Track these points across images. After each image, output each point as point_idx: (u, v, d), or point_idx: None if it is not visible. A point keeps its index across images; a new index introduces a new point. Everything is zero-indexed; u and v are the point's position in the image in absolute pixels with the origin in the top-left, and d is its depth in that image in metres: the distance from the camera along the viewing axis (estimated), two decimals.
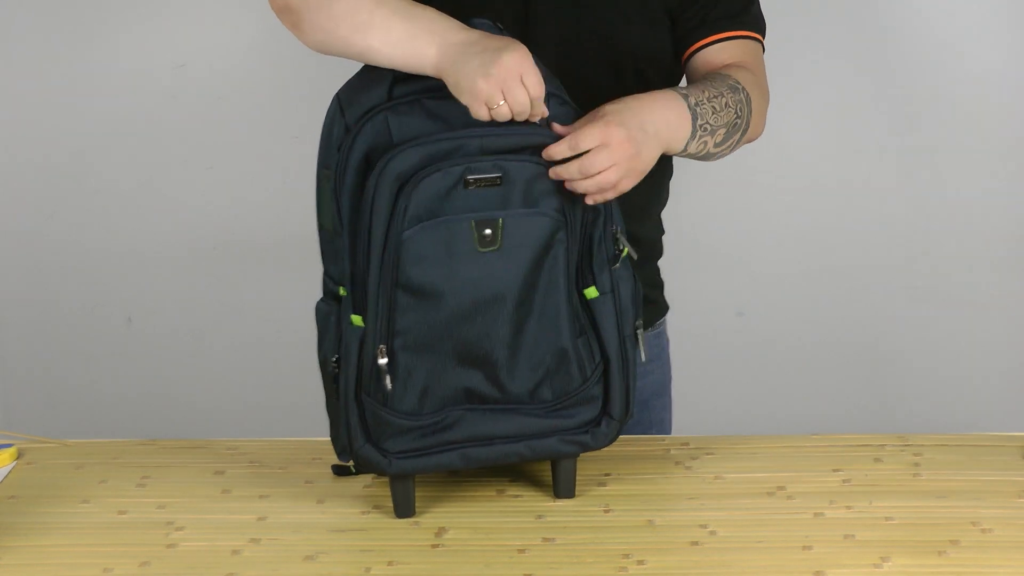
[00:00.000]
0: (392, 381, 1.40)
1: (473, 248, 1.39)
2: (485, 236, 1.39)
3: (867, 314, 2.69)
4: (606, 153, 1.39)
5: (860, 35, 2.55)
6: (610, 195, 1.42)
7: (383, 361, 1.40)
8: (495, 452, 1.46)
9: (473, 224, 1.38)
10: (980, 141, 2.59)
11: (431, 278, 1.38)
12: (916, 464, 1.55)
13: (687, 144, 1.50)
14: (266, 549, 1.40)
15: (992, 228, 2.63)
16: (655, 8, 1.64)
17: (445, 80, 1.39)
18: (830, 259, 2.67)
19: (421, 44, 1.41)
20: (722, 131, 1.53)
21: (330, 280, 1.46)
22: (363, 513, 1.48)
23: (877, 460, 1.57)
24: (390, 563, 1.37)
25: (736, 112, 1.55)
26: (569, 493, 1.49)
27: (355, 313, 1.40)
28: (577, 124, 1.43)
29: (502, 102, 1.36)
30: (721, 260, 2.63)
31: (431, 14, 1.43)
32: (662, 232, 1.83)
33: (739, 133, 1.57)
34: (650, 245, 1.78)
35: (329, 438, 1.49)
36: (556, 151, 1.39)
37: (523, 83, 1.36)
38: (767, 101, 1.65)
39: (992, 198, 2.62)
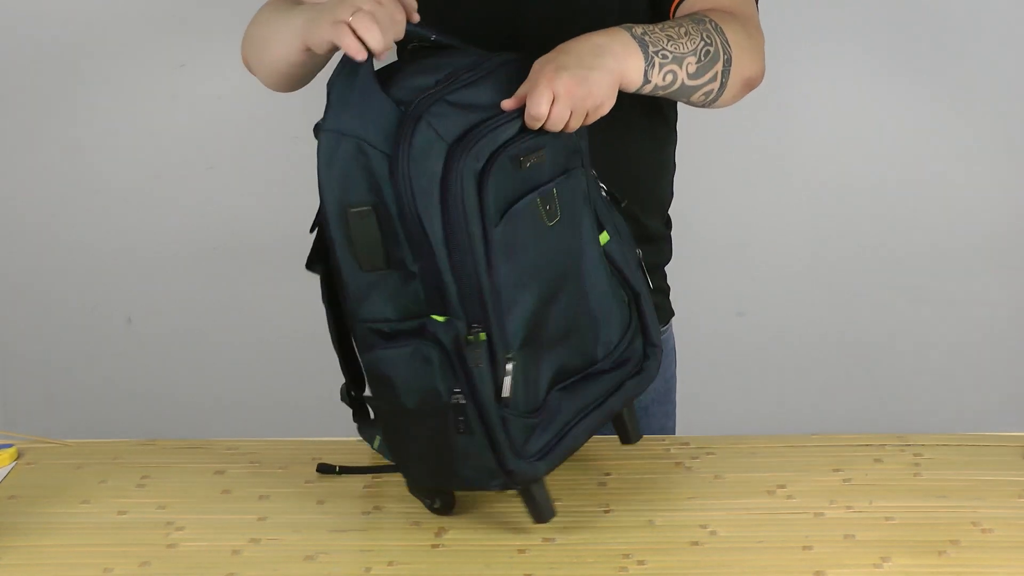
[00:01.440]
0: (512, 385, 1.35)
1: (544, 225, 1.38)
2: (548, 210, 1.38)
3: (867, 314, 2.69)
4: (558, 105, 1.35)
5: (860, 35, 2.55)
6: (588, 120, 1.40)
7: (510, 366, 1.34)
8: (594, 419, 1.45)
9: (538, 201, 1.37)
10: (980, 140, 2.59)
11: (523, 267, 1.36)
12: (916, 464, 1.55)
13: (648, 74, 1.44)
14: (266, 549, 1.40)
15: (993, 228, 2.63)
16: None
17: (310, 35, 1.38)
18: (831, 259, 2.67)
19: (293, 31, 1.43)
20: (692, 59, 1.48)
21: (392, 320, 1.34)
22: (363, 513, 1.48)
23: (877, 460, 1.57)
24: (390, 563, 1.37)
25: (703, 39, 1.49)
26: (639, 435, 1.54)
27: (470, 333, 1.32)
28: (528, 75, 1.38)
29: (355, 14, 1.32)
30: (721, 260, 2.63)
31: (303, 6, 1.46)
32: (667, 232, 1.83)
33: (720, 64, 1.51)
34: (656, 248, 1.78)
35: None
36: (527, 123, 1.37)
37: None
38: (759, 39, 1.60)
39: (992, 198, 2.62)
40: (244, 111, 2.62)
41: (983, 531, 1.40)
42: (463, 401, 1.33)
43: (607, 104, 1.40)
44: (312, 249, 1.40)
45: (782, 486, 1.51)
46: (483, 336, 1.32)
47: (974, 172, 2.61)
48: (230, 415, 2.71)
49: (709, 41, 1.50)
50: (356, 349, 1.41)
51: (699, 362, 2.72)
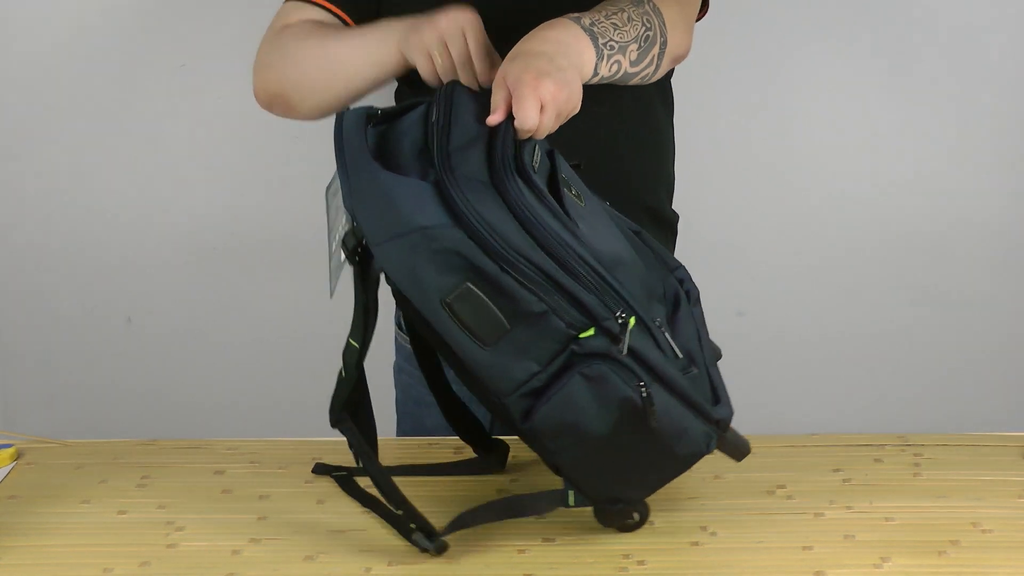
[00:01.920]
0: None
1: (582, 208, 1.36)
2: (575, 194, 1.37)
3: (867, 314, 2.69)
4: (547, 114, 1.33)
5: (860, 36, 2.55)
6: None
7: (660, 325, 1.34)
8: (707, 346, 1.46)
9: (566, 191, 1.36)
10: (981, 141, 2.59)
11: (607, 246, 1.34)
12: (916, 464, 1.55)
13: (597, 67, 1.44)
14: (266, 549, 1.40)
15: (993, 228, 2.63)
16: None
17: (404, 52, 1.39)
18: (831, 259, 2.67)
19: (380, 44, 1.43)
20: (634, 47, 1.48)
21: (540, 372, 1.30)
22: (363, 513, 1.48)
23: (877, 460, 1.57)
24: (390, 563, 1.37)
25: (644, 24, 1.49)
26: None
27: (620, 323, 1.29)
28: (497, 83, 1.35)
29: (441, 54, 1.34)
30: (721, 260, 2.63)
31: (371, 24, 1.46)
32: (674, 220, 1.84)
33: (656, 47, 1.51)
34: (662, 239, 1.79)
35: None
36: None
37: (465, 38, 1.35)
38: (691, 10, 1.60)
39: (992, 198, 2.62)
40: (244, 111, 2.61)
41: (983, 531, 1.40)
42: (648, 391, 1.31)
43: (579, 104, 1.39)
44: (339, 399, 1.39)
45: (782, 486, 1.51)
46: (632, 320, 1.30)
47: (974, 172, 2.61)
48: (230, 415, 2.71)
49: (649, 26, 1.50)
50: (512, 424, 1.34)
51: None
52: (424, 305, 1.27)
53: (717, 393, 1.39)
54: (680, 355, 1.35)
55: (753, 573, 1.34)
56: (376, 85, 1.54)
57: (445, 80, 1.40)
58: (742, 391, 2.74)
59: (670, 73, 1.82)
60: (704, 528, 1.42)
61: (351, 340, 1.36)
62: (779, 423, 2.58)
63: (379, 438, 1.47)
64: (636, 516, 1.41)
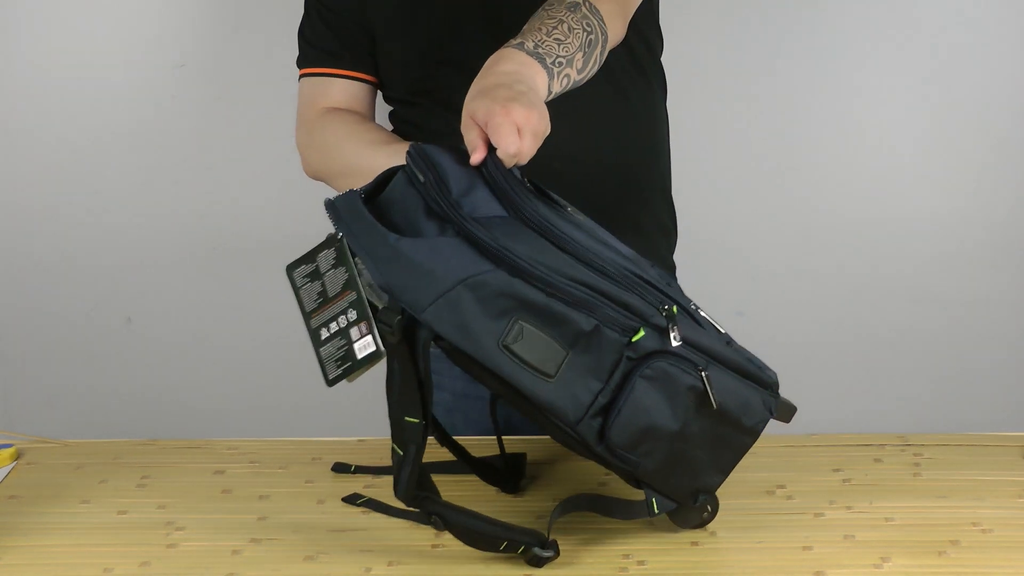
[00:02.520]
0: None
1: (575, 215, 1.38)
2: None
3: (867, 314, 2.69)
4: (526, 137, 1.32)
5: (860, 37, 2.55)
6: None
7: (694, 306, 1.38)
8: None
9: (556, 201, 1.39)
10: (980, 141, 2.59)
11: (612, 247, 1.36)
12: (916, 464, 1.55)
13: (550, 86, 1.44)
14: (266, 549, 1.40)
15: (992, 228, 2.63)
16: None
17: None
18: (830, 259, 2.67)
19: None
20: (579, 56, 1.49)
21: (604, 388, 1.31)
22: (363, 513, 1.48)
23: (877, 460, 1.57)
24: (390, 563, 1.37)
25: (584, 29, 1.50)
26: None
27: (666, 315, 1.32)
28: (466, 125, 1.33)
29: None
30: (721, 260, 2.63)
31: (399, 143, 1.52)
32: (672, 239, 1.85)
33: (599, 47, 1.52)
34: (656, 241, 1.80)
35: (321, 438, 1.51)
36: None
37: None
38: (631, 3, 1.60)
39: (992, 198, 2.62)
40: (244, 111, 2.62)
41: (983, 531, 1.40)
42: (707, 374, 1.32)
43: (549, 124, 1.38)
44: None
45: (782, 486, 1.51)
46: (675, 308, 1.31)
47: (974, 173, 2.61)
48: (230, 415, 2.71)
49: (589, 29, 1.51)
50: (590, 450, 1.34)
51: None
52: (483, 355, 1.27)
53: (754, 360, 1.39)
54: (722, 330, 1.37)
55: (753, 573, 1.34)
56: None
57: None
58: None
59: (661, 72, 1.83)
60: (704, 528, 1.42)
61: (408, 418, 1.33)
62: (779, 423, 2.57)
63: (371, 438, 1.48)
64: (709, 509, 1.41)
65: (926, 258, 2.65)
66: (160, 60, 2.58)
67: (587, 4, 1.52)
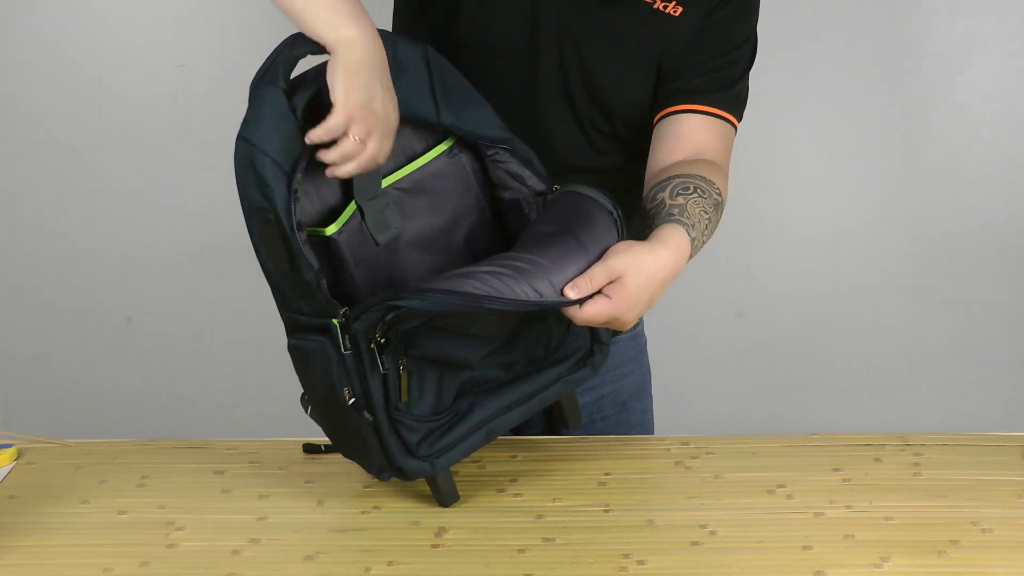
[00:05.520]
0: None
1: None
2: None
3: (867, 314, 2.70)
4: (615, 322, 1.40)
5: (860, 38, 2.55)
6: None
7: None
8: (520, 413, 1.49)
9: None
10: (980, 141, 2.59)
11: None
12: (916, 464, 1.55)
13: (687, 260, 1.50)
14: (266, 549, 1.40)
15: (992, 228, 2.64)
16: (649, 58, 1.61)
17: (332, 59, 1.40)
18: (830, 259, 2.67)
19: (342, 19, 1.43)
20: (709, 230, 1.54)
21: (306, 315, 1.48)
22: (363, 513, 1.48)
23: (877, 460, 1.57)
24: (390, 563, 1.37)
25: (716, 210, 1.54)
26: (578, 421, 1.59)
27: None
28: (597, 279, 1.37)
29: (359, 139, 1.39)
30: (721, 260, 2.63)
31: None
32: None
33: (719, 215, 1.57)
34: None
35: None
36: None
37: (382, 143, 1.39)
38: (729, 159, 1.66)
39: (991, 198, 2.62)
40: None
41: (983, 531, 1.40)
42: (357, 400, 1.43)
43: None
44: None
45: (782, 486, 1.51)
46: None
47: (973, 173, 2.61)
48: (230, 415, 2.71)
49: (717, 210, 1.54)
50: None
51: (699, 362, 2.73)
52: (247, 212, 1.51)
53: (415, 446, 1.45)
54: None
55: (753, 573, 1.34)
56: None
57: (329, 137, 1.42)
58: (742, 391, 2.76)
59: None
60: (704, 528, 1.42)
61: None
62: (779, 423, 2.58)
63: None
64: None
65: (926, 258, 2.65)
66: (160, 60, 2.58)
67: (716, 190, 1.54)
